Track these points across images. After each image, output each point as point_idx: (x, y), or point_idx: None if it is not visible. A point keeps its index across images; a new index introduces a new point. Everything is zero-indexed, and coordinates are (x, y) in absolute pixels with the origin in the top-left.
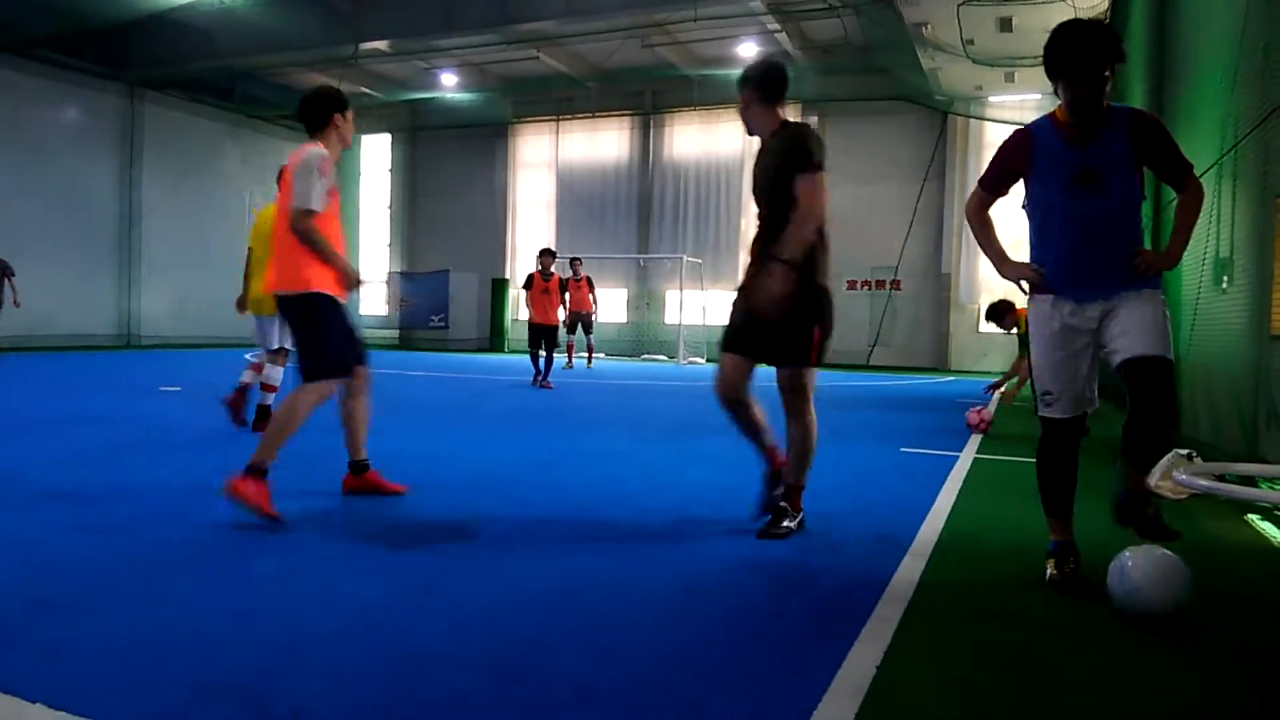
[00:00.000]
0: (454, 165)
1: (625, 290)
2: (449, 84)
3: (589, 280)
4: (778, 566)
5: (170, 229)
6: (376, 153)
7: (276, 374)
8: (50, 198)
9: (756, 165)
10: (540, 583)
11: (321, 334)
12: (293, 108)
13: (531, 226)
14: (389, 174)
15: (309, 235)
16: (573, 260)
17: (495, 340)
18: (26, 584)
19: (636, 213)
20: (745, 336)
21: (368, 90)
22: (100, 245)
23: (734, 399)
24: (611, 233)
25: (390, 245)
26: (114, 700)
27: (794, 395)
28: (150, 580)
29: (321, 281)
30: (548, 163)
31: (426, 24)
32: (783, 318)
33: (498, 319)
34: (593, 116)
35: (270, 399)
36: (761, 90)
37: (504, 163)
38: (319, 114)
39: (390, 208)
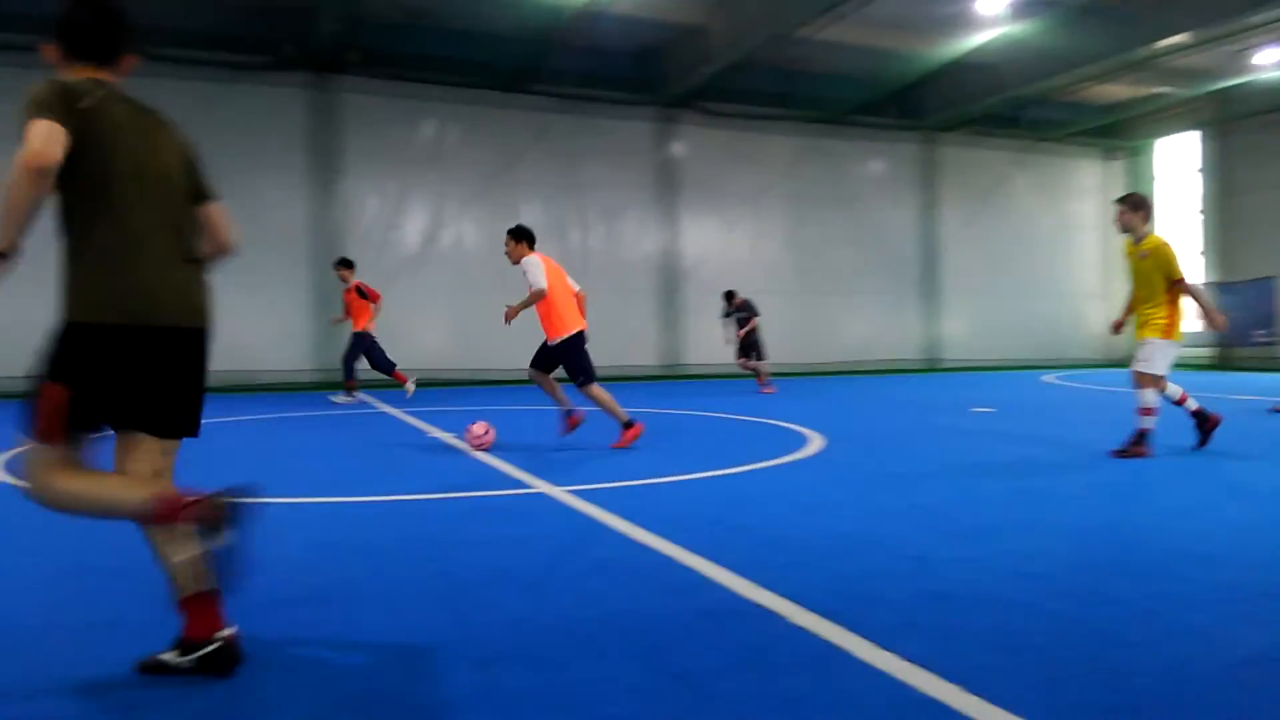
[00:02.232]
0: (1276, 155)
1: None
2: (1265, 62)
3: None
4: None
5: (966, 259)
6: (1178, 153)
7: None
8: (864, 242)
9: None
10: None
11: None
12: (1084, 125)
13: None
14: (1199, 174)
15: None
16: None
17: None
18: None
19: None
20: None
21: (1162, 90)
22: (905, 279)
23: None
24: None
25: (1204, 253)
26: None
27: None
28: None
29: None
30: None
31: (1235, 2)
32: None
33: None
34: None
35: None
36: None
37: None
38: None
39: (1202, 211)
